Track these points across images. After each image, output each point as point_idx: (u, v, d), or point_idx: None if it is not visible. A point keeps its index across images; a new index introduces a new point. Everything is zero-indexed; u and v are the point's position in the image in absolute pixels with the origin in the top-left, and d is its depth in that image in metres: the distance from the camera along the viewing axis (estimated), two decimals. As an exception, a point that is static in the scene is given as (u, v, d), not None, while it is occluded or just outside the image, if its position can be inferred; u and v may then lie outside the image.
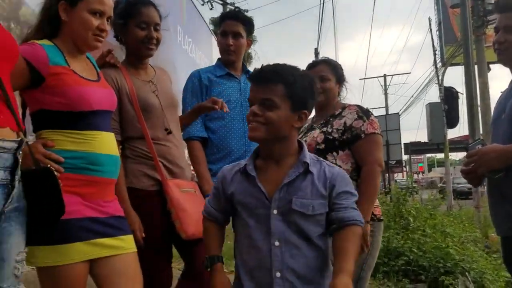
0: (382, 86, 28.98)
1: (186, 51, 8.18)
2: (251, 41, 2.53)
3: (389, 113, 20.68)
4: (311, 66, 2.20)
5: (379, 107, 28.61)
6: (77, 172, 1.48)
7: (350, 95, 2.28)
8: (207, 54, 10.47)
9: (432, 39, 17.17)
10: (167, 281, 1.93)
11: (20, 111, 1.43)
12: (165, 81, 2.09)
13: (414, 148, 23.14)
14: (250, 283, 1.34)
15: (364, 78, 29.25)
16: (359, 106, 2.10)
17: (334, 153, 2.02)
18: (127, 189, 1.83)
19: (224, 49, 2.41)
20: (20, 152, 1.23)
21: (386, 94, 28.73)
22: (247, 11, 17.61)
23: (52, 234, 1.38)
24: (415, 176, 34.78)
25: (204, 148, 2.33)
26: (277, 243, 1.31)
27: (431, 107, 14.83)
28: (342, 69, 2.21)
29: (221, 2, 15.61)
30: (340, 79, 2.19)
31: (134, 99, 1.87)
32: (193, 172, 2.25)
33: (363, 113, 2.06)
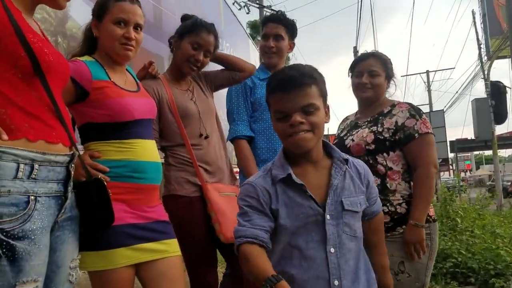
0: (425, 82, 28.15)
1: (224, 55, 8.26)
2: (293, 44, 2.53)
3: (434, 110, 20.06)
4: (359, 59, 2.10)
5: (422, 104, 27.79)
6: (122, 180, 1.55)
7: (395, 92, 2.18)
8: (245, 57, 10.57)
9: (477, 32, 16.50)
10: (214, 284, 1.97)
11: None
12: (202, 87, 2.18)
13: (461, 145, 22.34)
14: None
15: (406, 75, 28.52)
16: (410, 104, 2.01)
17: (385, 154, 1.92)
18: (171, 196, 1.91)
19: (265, 51, 2.45)
20: (72, 165, 1.30)
21: (429, 90, 27.87)
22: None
23: (97, 241, 1.46)
24: (462, 174, 33.52)
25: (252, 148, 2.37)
26: (332, 250, 1.25)
27: (478, 102, 14.26)
28: (391, 64, 2.10)
29: (257, 6, 15.71)
30: (389, 74, 2.08)
31: (174, 107, 1.95)
32: (237, 174, 2.29)
33: (415, 111, 1.96)
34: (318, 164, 1.34)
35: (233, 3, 15.01)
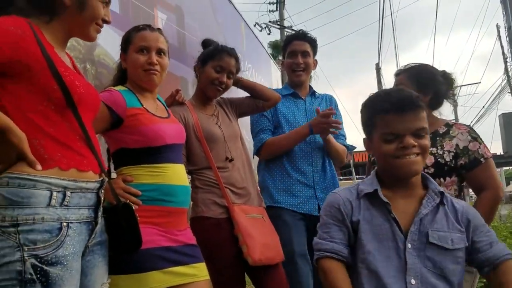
0: (450, 98, 27.64)
1: (246, 76, 8.39)
2: (316, 61, 2.57)
3: (459, 125, 19.65)
4: (395, 75, 2.01)
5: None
6: (153, 204, 1.59)
7: None
8: (267, 77, 10.64)
9: (502, 46, 16.26)
10: None
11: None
12: (227, 111, 2.23)
13: (489, 161, 21.72)
14: None
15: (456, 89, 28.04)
16: (468, 126, 1.92)
17: (441, 179, 1.81)
18: (198, 218, 1.93)
19: (293, 68, 2.49)
20: (102, 191, 1.34)
21: (455, 106, 27.41)
22: (304, 32, 17.85)
23: (130, 264, 1.48)
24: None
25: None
26: (413, 281, 1.18)
27: (505, 117, 13.97)
28: (431, 74, 1.95)
29: (278, 27, 15.93)
30: (423, 87, 1.90)
31: (199, 131, 2.00)
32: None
33: (476, 134, 1.86)
34: (411, 192, 1.30)
35: (255, 25, 15.28)
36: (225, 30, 7.26)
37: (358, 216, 1.26)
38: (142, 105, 1.68)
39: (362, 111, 1.39)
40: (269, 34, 16.58)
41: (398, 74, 1.97)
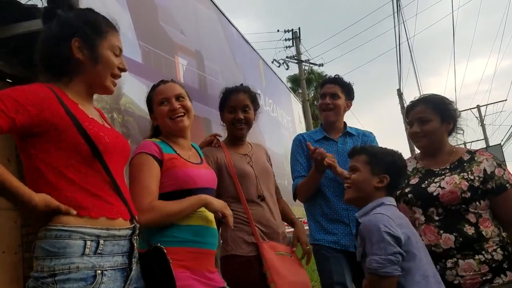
0: (477, 117, 27.16)
1: (268, 111, 8.50)
2: (350, 103, 2.66)
3: (490, 145, 19.18)
4: (409, 108, 2.04)
5: (477, 140, 26.72)
6: (184, 245, 1.61)
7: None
8: (288, 111, 10.74)
9: (525, 61, 15.97)
10: None
11: None
12: (260, 154, 2.32)
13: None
14: None
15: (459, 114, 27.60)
16: (491, 153, 1.94)
17: (477, 203, 1.81)
18: (229, 256, 1.96)
19: (322, 108, 2.60)
20: (135, 237, 1.38)
21: (483, 125, 26.82)
22: (322, 65, 18.04)
23: None
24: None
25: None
26: None
27: (537, 133, 13.52)
28: (450, 104, 1.99)
29: (296, 61, 16.17)
30: (446, 116, 1.96)
31: (231, 168, 2.07)
32: (305, 224, 2.34)
33: (499, 160, 1.90)
34: None
35: (272, 62, 15.55)
36: (244, 69, 7.43)
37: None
38: (176, 153, 1.76)
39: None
40: (287, 69, 16.84)
41: (414, 106, 2.00)
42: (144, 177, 1.64)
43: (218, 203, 1.66)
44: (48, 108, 1.24)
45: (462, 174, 1.85)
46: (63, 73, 1.39)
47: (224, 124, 2.30)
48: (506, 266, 1.73)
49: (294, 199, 2.55)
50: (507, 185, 1.81)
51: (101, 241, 1.25)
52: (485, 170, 1.84)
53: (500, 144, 13.77)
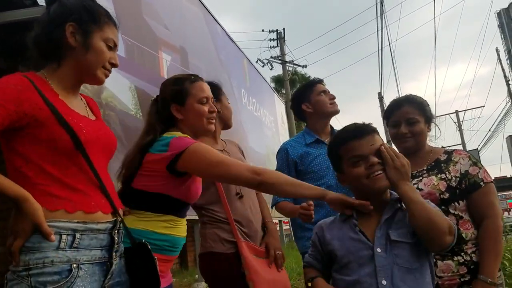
0: (455, 123, 27.71)
1: (251, 111, 8.49)
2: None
3: (467, 149, 19.61)
4: (393, 108, 1.99)
5: (455, 144, 27.24)
6: (160, 253, 1.56)
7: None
8: (271, 111, 10.76)
9: (503, 69, 16.37)
10: None
11: None
12: (235, 150, 2.28)
13: (499, 184, 21.44)
14: None
15: (435, 117, 28.16)
16: (467, 152, 1.93)
17: (456, 204, 1.80)
18: (208, 254, 1.94)
19: (329, 103, 2.54)
20: (116, 231, 1.35)
21: (461, 130, 27.38)
22: (306, 66, 18.15)
23: None
24: (506, 214, 31.83)
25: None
26: (384, 282, 1.31)
27: (513, 139, 13.88)
28: (428, 105, 1.99)
29: (280, 62, 16.22)
30: (428, 117, 1.96)
31: None
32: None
33: (476, 159, 1.88)
34: (379, 205, 1.43)
35: (257, 61, 15.56)
36: (228, 67, 7.40)
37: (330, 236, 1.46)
38: None
39: (329, 151, 1.57)
40: (271, 69, 16.88)
41: (400, 105, 1.95)
42: (225, 157, 1.62)
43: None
44: (26, 100, 1.21)
45: (439, 175, 1.84)
46: (52, 57, 1.35)
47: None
48: None
49: (272, 207, 2.48)
50: (481, 183, 1.78)
51: (77, 235, 1.22)
52: (460, 170, 1.83)
53: (477, 149, 14.06)
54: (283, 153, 2.49)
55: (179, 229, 1.65)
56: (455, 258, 1.74)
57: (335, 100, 2.54)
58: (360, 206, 1.43)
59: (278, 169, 2.43)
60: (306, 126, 2.64)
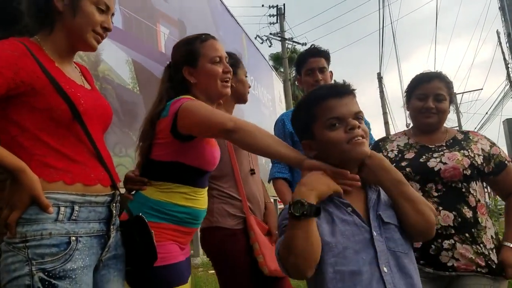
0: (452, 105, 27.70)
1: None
2: (332, 72, 2.57)
3: (463, 132, 19.61)
4: (422, 80, 1.89)
5: (452, 127, 27.28)
6: (181, 225, 1.55)
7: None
8: (269, 89, 10.70)
9: (503, 52, 16.26)
10: None
11: None
12: None
13: (495, 167, 21.59)
14: None
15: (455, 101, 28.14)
16: (480, 133, 1.93)
17: (475, 183, 1.79)
18: (214, 228, 1.93)
19: (313, 85, 2.46)
20: (114, 204, 1.33)
21: (458, 113, 27.41)
22: (305, 44, 17.94)
23: (156, 280, 1.45)
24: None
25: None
26: (385, 269, 1.14)
27: (509, 123, 13.92)
28: (453, 87, 1.94)
29: (279, 39, 16.02)
30: (451, 99, 1.91)
31: (229, 142, 1.97)
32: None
33: (491, 140, 1.88)
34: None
35: (256, 38, 15.38)
36: (226, 42, 7.31)
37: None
38: None
39: (296, 114, 1.33)
40: (270, 46, 16.65)
41: (430, 79, 1.88)
42: (210, 110, 1.46)
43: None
44: (23, 67, 1.17)
45: (462, 151, 1.81)
46: (43, 22, 1.30)
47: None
48: (500, 270, 1.72)
49: (268, 182, 2.49)
50: (506, 161, 1.82)
51: (76, 207, 1.21)
52: (483, 149, 1.83)
53: (462, 130, 14.09)
54: (280, 124, 2.48)
55: (199, 201, 1.61)
56: (474, 247, 1.70)
57: (320, 82, 2.44)
58: (350, 181, 1.21)
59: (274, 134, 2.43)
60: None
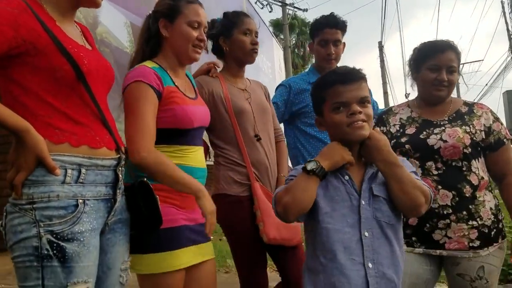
0: (452, 76, 27.45)
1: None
2: (345, 44, 2.52)
3: (462, 104, 19.58)
4: (436, 50, 1.82)
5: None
6: None
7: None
8: (269, 56, 10.56)
9: (506, 22, 16.04)
10: (263, 286, 1.95)
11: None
12: (259, 91, 2.17)
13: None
14: None
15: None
16: (487, 106, 1.86)
17: (477, 160, 1.75)
18: (220, 195, 1.92)
19: (324, 58, 2.45)
20: (120, 168, 1.32)
21: (457, 84, 27.27)
22: (306, 10, 17.60)
23: (152, 243, 1.47)
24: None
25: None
26: (367, 234, 1.32)
27: (509, 95, 13.91)
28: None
29: (280, 4, 15.68)
30: (458, 70, 1.86)
31: (229, 104, 1.96)
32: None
33: (496, 114, 1.81)
34: (356, 157, 1.40)
35: (256, 2, 15.04)
36: (226, 6, 7.11)
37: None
38: (175, 84, 1.62)
39: (313, 92, 1.49)
40: (270, 11, 16.29)
41: (444, 50, 1.81)
42: (143, 113, 1.49)
43: (210, 205, 1.50)
44: (24, 25, 1.13)
45: (464, 127, 1.76)
46: None
47: (226, 49, 2.07)
48: (493, 236, 1.73)
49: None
50: (504, 140, 1.78)
51: (83, 170, 1.19)
52: (485, 124, 1.78)
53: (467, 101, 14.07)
54: (284, 89, 2.47)
55: (189, 158, 1.59)
56: (470, 222, 1.70)
57: (332, 56, 2.42)
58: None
59: (273, 102, 2.39)
60: (312, 65, 2.59)
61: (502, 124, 1.81)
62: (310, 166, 1.30)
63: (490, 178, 1.84)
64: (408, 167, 1.40)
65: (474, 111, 1.82)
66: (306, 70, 2.60)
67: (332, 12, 2.49)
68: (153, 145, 1.48)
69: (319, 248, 1.34)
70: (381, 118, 1.98)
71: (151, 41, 1.67)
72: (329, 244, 1.31)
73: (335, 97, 1.36)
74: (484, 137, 1.76)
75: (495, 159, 1.79)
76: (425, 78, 1.82)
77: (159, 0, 1.73)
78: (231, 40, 2.04)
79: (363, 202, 1.34)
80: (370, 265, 1.29)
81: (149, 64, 1.60)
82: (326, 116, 1.40)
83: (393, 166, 1.34)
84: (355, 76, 1.37)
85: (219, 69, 2.12)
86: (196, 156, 1.63)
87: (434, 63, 1.80)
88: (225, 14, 2.11)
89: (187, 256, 1.54)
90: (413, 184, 1.33)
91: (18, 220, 1.12)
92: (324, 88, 1.40)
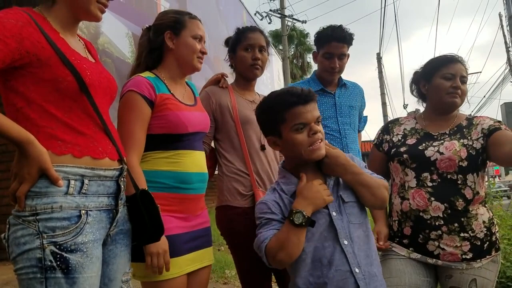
0: (450, 87, 27.58)
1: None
2: (349, 55, 2.51)
3: (460, 115, 19.64)
4: (451, 60, 1.87)
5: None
6: (169, 191, 1.58)
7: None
8: (267, 67, 10.62)
9: (504, 35, 16.17)
10: None
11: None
12: None
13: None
14: None
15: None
16: (487, 117, 1.88)
17: (475, 174, 1.75)
18: (224, 207, 1.95)
19: (327, 70, 2.44)
20: (122, 179, 1.33)
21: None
22: (305, 21, 17.73)
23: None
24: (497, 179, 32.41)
25: None
26: (346, 242, 1.38)
27: (507, 107, 13.97)
28: None
29: (279, 16, 15.80)
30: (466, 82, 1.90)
31: (235, 113, 1.99)
32: None
33: (498, 120, 1.84)
34: (315, 171, 1.47)
35: (255, 14, 15.16)
36: (226, 18, 7.20)
37: (287, 212, 1.40)
38: (171, 92, 1.68)
39: (265, 112, 1.49)
40: (269, 23, 16.43)
41: (457, 61, 1.86)
42: (131, 123, 1.56)
43: (162, 247, 1.47)
44: (28, 37, 1.14)
45: (462, 140, 1.78)
46: None
47: (234, 64, 2.14)
48: (485, 248, 1.73)
49: None
50: (502, 127, 1.77)
51: (86, 181, 1.20)
52: (482, 128, 1.79)
53: (470, 115, 14.13)
54: None
55: (185, 163, 1.62)
56: (461, 234, 1.71)
57: (336, 69, 2.41)
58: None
59: None
60: (314, 72, 2.59)
61: (503, 124, 1.80)
62: (298, 220, 1.32)
63: (486, 194, 1.82)
64: (360, 164, 1.50)
65: (473, 122, 1.84)
66: (307, 77, 2.58)
67: (340, 25, 2.46)
68: (137, 162, 1.55)
69: (304, 270, 1.38)
70: (387, 127, 2.01)
71: (154, 53, 1.74)
72: (314, 264, 1.37)
73: (296, 118, 1.40)
74: (482, 143, 1.76)
75: (495, 138, 1.73)
76: (440, 86, 1.84)
77: (161, 13, 1.80)
78: (236, 56, 2.10)
79: (334, 214, 1.40)
80: (356, 270, 1.36)
81: (144, 74, 1.66)
82: (286, 136, 1.42)
83: (359, 175, 1.42)
84: (312, 97, 1.43)
85: (229, 81, 2.17)
86: (194, 161, 1.66)
87: (448, 72, 1.84)
88: (236, 30, 2.16)
89: (185, 263, 1.58)
90: (378, 184, 1.43)
91: (21, 232, 1.12)
92: (284, 109, 1.42)
